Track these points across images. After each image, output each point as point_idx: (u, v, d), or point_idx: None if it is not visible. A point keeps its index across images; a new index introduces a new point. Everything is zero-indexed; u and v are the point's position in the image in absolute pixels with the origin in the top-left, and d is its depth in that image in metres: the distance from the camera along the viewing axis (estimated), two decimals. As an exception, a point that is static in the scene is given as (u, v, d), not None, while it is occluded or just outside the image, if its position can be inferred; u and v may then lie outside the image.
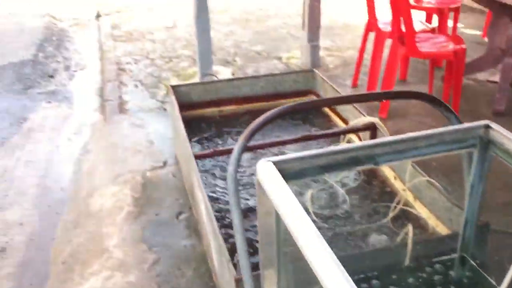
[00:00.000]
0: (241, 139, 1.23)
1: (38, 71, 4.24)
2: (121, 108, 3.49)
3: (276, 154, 2.45)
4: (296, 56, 4.25)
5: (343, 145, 1.37)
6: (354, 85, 3.63)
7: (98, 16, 5.85)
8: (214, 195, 2.18)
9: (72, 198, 2.55)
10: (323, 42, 4.23)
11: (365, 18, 3.54)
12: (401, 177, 2.07)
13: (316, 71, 2.96)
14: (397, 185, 2.13)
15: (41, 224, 2.35)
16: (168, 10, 5.82)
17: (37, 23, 5.55)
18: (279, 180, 1.02)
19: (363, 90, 3.48)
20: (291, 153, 1.04)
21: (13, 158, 2.91)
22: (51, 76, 4.14)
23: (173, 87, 2.74)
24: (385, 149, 1.13)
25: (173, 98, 2.58)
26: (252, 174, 2.28)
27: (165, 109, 3.41)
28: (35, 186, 2.65)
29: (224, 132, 2.70)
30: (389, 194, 2.11)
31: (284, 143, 2.33)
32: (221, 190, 2.21)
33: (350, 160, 1.13)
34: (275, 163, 1.08)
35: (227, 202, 2.07)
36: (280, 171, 1.05)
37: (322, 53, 4.12)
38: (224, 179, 2.26)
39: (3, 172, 2.76)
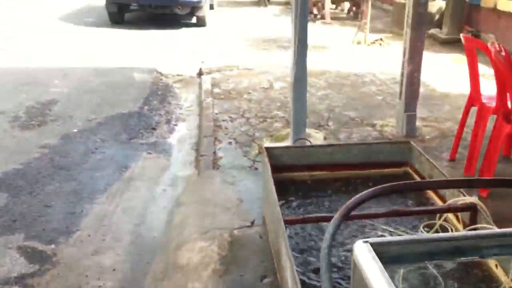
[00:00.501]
0: (338, 215, 1.22)
1: (142, 122, 4.55)
2: (215, 163, 3.61)
3: (365, 225, 2.39)
4: (390, 124, 4.19)
5: (446, 234, 1.31)
6: (452, 158, 3.49)
7: (200, 74, 6.22)
8: (300, 265, 2.15)
9: (163, 248, 2.64)
10: (420, 111, 4.15)
11: (466, 89, 3.44)
12: (504, 267, 1.92)
13: (412, 143, 2.89)
14: (499, 273, 1.97)
15: (132, 272, 2.44)
16: (265, 71, 6.06)
17: (145, 78, 6.01)
18: (377, 264, 0.99)
19: (461, 165, 3.32)
20: (389, 236, 1.02)
21: (113, 204, 3.09)
22: (154, 129, 4.42)
23: (267, 148, 2.80)
24: (493, 241, 1.07)
25: (266, 160, 2.63)
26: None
27: (256, 169, 3.48)
28: (130, 233, 2.78)
29: (315, 198, 2.69)
30: (490, 280, 1.95)
31: (375, 216, 2.27)
32: (308, 260, 2.18)
33: (453, 250, 1.08)
34: (372, 244, 1.06)
35: (313, 273, 2.03)
36: (378, 253, 1.03)
37: (418, 123, 4.04)
38: (311, 249, 2.24)
39: (103, 217, 2.94)
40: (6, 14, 10.36)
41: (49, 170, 3.49)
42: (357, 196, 1.22)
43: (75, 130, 4.28)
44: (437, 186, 2.01)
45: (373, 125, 4.24)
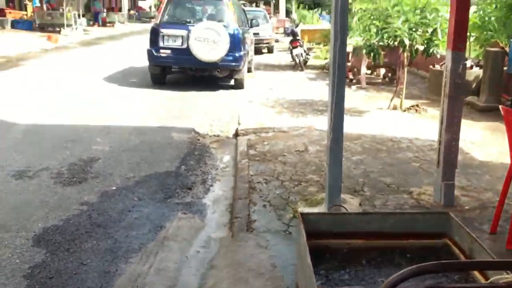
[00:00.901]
0: (377, 292, 1.21)
1: (179, 182, 4.63)
2: (249, 226, 3.61)
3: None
4: (427, 192, 4.12)
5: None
6: (493, 231, 3.38)
7: (236, 135, 6.35)
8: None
9: (194, 313, 2.61)
10: (458, 180, 4.09)
11: (506, 159, 3.39)
12: None
13: (451, 214, 2.83)
14: None
15: (163, 336, 2.42)
16: (301, 134, 6.13)
17: (183, 137, 6.16)
18: None
19: (503, 239, 3.22)
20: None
21: (147, 264, 3.11)
22: (189, 188, 4.48)
23: (302, 214, 2.79)
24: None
25: (301, 226, 2.62)
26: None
27: (290, 233, 3.46)
28: (162, 295, 2.77)
29: (350, 268, 2.64)
30: None
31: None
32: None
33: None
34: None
35: None
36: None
37: (456, 192, 3.96)
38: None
39: (137, 277, 2.96)
40: (55, 74, 10.96)
41: (87, 228, 3.57)
42: (397, 274, 1.21)
43: (114, 188, 4.39)
44: (482, 267, 1.95)
45: (410, 193, 4.19)
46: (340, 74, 3.37)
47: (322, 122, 6.68)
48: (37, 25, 20.66)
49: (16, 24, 20.69)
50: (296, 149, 5.54)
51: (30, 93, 8.59)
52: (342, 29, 3.32)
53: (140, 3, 44.26)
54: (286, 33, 23.87)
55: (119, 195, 4.23)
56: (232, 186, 4.58)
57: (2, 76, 10.51)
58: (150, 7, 44.56)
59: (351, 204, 3.87)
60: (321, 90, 9.42)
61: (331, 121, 3.47)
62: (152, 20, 37.94)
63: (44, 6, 22.50)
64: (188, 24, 9.18)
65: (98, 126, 6.52)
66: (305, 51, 13.09)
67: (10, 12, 22.16)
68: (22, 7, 24.49)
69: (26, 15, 22.63)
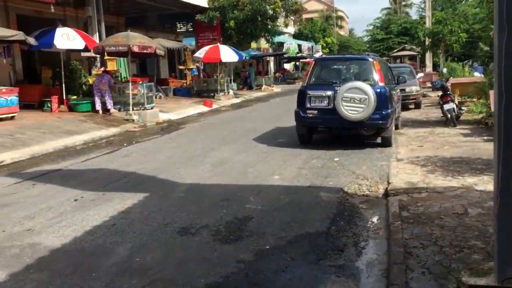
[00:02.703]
0: None
1: (329, 243, 4.61)
2: (407, 295, 3.42)
3: None
4: None
5: None
6: None
7: (386, 195, 6.17)
8: None
9: None
10: None
11: None
12: None
13: None
14: None
15: None
16: (458, 196, 5.73)
17: (332, 197, 6.16)
18: None
19: None
20: None
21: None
22: (341, 250, 4.43)
23: (471, 287, 2.58)
24: None
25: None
26: None
27: (454, 305, 3.19)
28: None
29: None
30: None
31: None
32: None
33: None
34: None
35: None
36: None
37: None
38: None
39: None
40: (210, 136, 11.88)
41: (244, 286, 3.70)
42: None
43: (267, 247, 4.52)
44: None
45: None
46: (507, 128, 3.12)
47: (482, 183, 6.20)
48: (194, 92, 22.80)
49: (177, 92, 23.08)
50: (454, 211, 5.18)
51: (188, 154, 9.40)
52: (508, 84, 3.10)
53: (286, 65, 46.49)
54: (434, 88, 22.99)
55: (272, 255, 4.34)
56: (386, 250, 4.41)
57: (166, 138, 11.71)
58: (298, 68, 46.50)
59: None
60: (478, 147, 8.79)
61: (498, 180, 3.20)
62: (296, 81, 39.53)
63: (201, 75, 24.81)
64: (334, 84, 9.38)
65: (250, 185, 6.85)
66: (457, 106, 12.42)
67: (172, 81, 24.87)
68: (182, 76, 27.36)
69: (186, 83, 25.16)
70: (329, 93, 9.19)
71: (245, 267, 4.06)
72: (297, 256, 4.30)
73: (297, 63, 45.75)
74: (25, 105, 14.25)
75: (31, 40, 13.39)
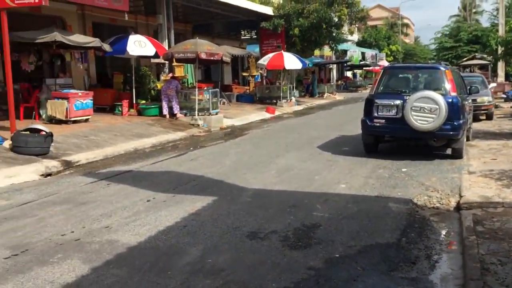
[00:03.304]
0: None
1: (401, 255, 4.53)
2: (486, 312, 3.31)
3: None
4: None
5: None
6: None
7: (458, 208, 5.97)
8: None
9: None
10: None
11: None
12: None
13: None
14: None
15: None
16: (538, 212, 5.46)
17: (401, 208, 6.04)
18: None
19: None
20: None
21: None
22: (413, 263, 4.34)
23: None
24: None
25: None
26: None
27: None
28: None
29: None
30: None
31: None
32: None
33: None
34: None
35: None
36: None
37: None
38: None
39: None
40: (273, 143, 11.96)
41: (316, 293, 3.72)
42: None
43: (337, 255, 4.51)
44: None
45: None
46: None
47: None
48: (257, 98, 23.04)
49: (240, 98, 23.43)
50: (534, 228, 4.94)
51: (253, 160, 9.51)
52: None
53: (348, 73, 46.03)
54: (506, 98, 21.96)
55: (342, 263, 4.32)
56: (461, 265, 4.27)
57: (231, 144, 11.91)
58: (355, 76, 45.92)
59: None
60: (558, 162, 8.32)
61: None
62: (359, 89, 38.98)
63: (264, 81, 25.06)
64: (403, 93, 9.19)
65: (316, 193, 6.84)
66: (533, 117, 11.81)
67: (236, 88, 25.29)
68: (245, 83, 27.75)
69: (249, 89, 25.50)
70: (398, 102, 9.02)
71: (316, 274, 4.07)
72: (368, 266, 4.26)
73: (355, 71, 45.17)
74: (98, 109, 14.97)
75: (106, 47, 14.07)
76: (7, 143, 9.53)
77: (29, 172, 8.37)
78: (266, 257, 4.48)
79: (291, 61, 21.31)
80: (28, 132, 9.52)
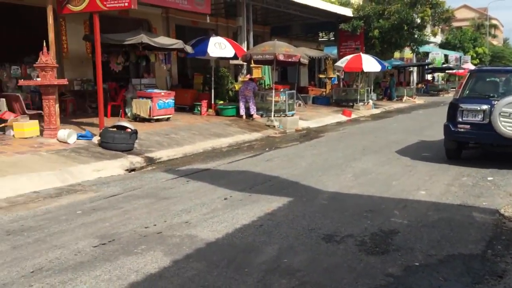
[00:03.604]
0: None
1: (486, 267, 4.31)
2: None
3: None
4: None
5: None
6: None
7: (551, 222, 5.57)
8: None
9: None
10: None
11: None
12: None
13: None
14: None
15: None
16: None
17: (486, 219, 5.74)
18: None
19: None
20: None
21: None
22: (500, 277, 4.11)
23: None
24: None
25: None
26: None
27: None
28: None
29: None
30: None
31: None
32: None
33: None
34: None
35: None
36: None
37: None
38: None
39: None
40: (349, 146, 11.79)
41: (394, 300, 3.63)
42: None
43: (417, 264, 4.37)
44: None
45: None
46: None
47: None
48: (333, 100, 22.80)
49: (316, 100, 23.30)
50: None
51: (329, 162, 9.43)
52: None
53: (428, 76, 44.31)
54: None
55: (423, 272, 4.18)
56: (554, 282, 3.99)
57: (306, 146, 11.89)
58: (434, 79, 44.08)
59: None
60: None
61: None
62: (441, 93, 37.39)
63: (341, 84, 24.74)
64: (491, 98, 8.71)
65: (394, 198, 6.67)
66: None
67: (312, 90, 25.19)
68: (321, 85, 27.56)
69: (325, 91, 25.30)
70: (485, 107, 8.56)
71: (394, 282, 3.97)
72: (450, 277, 4.09)
73: (437, 74, 43.30)
74: (178, 108, 15.52)
75: (188, 48, 14.57)
76: (95, 139, 10.15)
77: (115, 166, 8.86)
78: (342, 260, 4.44)
79: (370, 64, 20.87)
80: (115, 129, 10.08)
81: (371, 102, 22.91)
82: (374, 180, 7.83)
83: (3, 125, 10.49)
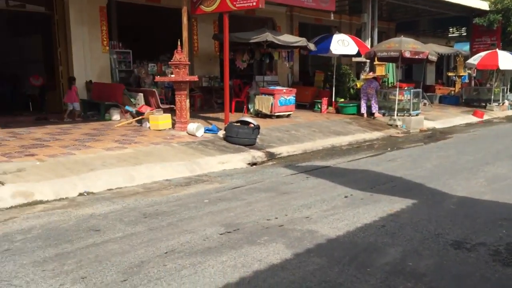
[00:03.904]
0: None
1: None
2: None
3: None
4: None
5: None
6: None
7: None
8: None
9: None
10: None
11: None
12: None
13: None
14: None
15: None
16: None
17: None
18: None
19: None
20: None
21: None
22: None
23: None
24: None
25: None
26: None
27: None
28: None
29: None
30: None
31: None
32: None
33: None
34: None
35: None
36: None
37: None
38: None
39: None
40: (479, 149, 10.94)
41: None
42: None
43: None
44: None
45: None
46: None
47: None
48: (463, 100, 21.32)
49: (443, 99, 21.96)
50: None
51: (457, 166, 8.86)
52: None
53: None
54: None
55: None
56: None
57: (431, 147, 11.30)
58: None
59: None
60: None
61: None
62: None
63: (472, 82, 23.04)
64: None
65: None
66: None
67: (439, 88, 23.80)
68: (450, 83, 25.92)
69: (454, 90, 23.74)
70: None
71: (534, 297, 3.64)
72: None
73: None
74: (298, 105, 15.66)
75: (311, 46, 14.62)
76: (221, 133, 10.65)
77: (238, 160, 9.22)
78: (473, 269, 4.16)
79: (507, 61, 19.14)
80: (238, 124, 10.48)
81: (507, 102, 21.03)
82: (510, 186, 7.21)
83: (140, 117, 11.46)
